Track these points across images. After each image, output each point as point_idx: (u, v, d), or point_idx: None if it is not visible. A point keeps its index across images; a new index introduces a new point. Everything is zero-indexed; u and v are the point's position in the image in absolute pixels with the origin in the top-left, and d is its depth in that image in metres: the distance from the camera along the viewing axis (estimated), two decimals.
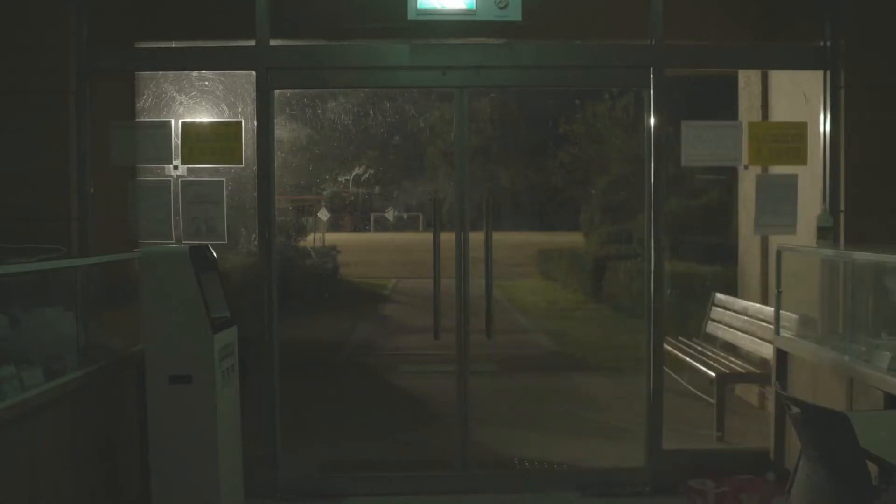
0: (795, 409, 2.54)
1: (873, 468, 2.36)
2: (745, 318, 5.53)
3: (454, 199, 4.44)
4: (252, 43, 4.31)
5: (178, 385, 3.49)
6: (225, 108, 4.82)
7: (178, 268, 3.52)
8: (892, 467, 2.29)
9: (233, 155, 4.32)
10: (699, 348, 5.89)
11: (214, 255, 3.86)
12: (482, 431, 4.86)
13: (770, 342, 4.62)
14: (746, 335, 5.43)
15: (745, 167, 5.13)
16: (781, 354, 4.30)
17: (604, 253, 11.78)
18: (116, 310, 4.29)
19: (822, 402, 2.85)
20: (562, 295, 12.83)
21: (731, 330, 5.72)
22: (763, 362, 5.20)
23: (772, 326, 4.52)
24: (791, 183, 4.43)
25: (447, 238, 4.39)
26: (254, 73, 4.33)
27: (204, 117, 4.74)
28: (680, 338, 6.18)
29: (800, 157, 4.42)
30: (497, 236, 4.54)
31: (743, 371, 5.32)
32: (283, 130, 5.95)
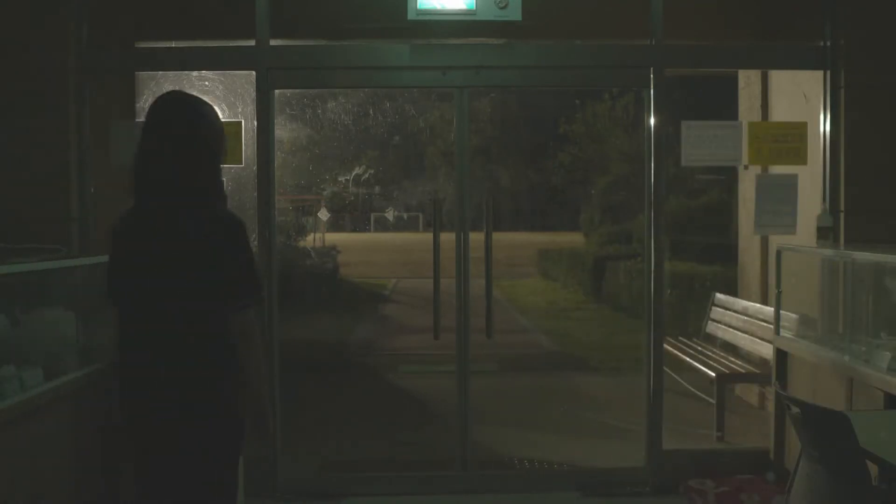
0: (795, 409, 2.54)
1: (873, 468, 2.36)
2: (745, 318, 5.53)
3: (454, 199, 4.44)
4: (252, 43, 4.31)
5: None
6: (225, 108, 4.82)
7: None
8: (893, 467, 2.29)
9: (233, 155, 4.29)
10: (699, 348, 5.89)
11: None
12: (482, 431, 4.86)
13: (770, 342, 4.62)
14: (746, 335, 5.43)
15: (745, 167, 5.13)
16: (781, 354, 4.30)
17: (604, 253, 11.81)
18: None
19: (822, 402, 2.85)
20: (562, 295, 12.85)
21: (731, 330, 5.72)
22: (763, 362, 5.20)
23: (772, 326, 4.52)
24: (791, 183, 4.43)
25: (447, 238, 4.39)
26: (254, 73, 4.32)
27: None
28: (680, 338, 6.18)
29: (800, 157, 4.42)
30: (497, 236, 4.54)
31: (743, 371, 5.32)
32: (283, 130, 5.96)
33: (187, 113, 2.41)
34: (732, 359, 5.51)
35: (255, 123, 4.33)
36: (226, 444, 2.42)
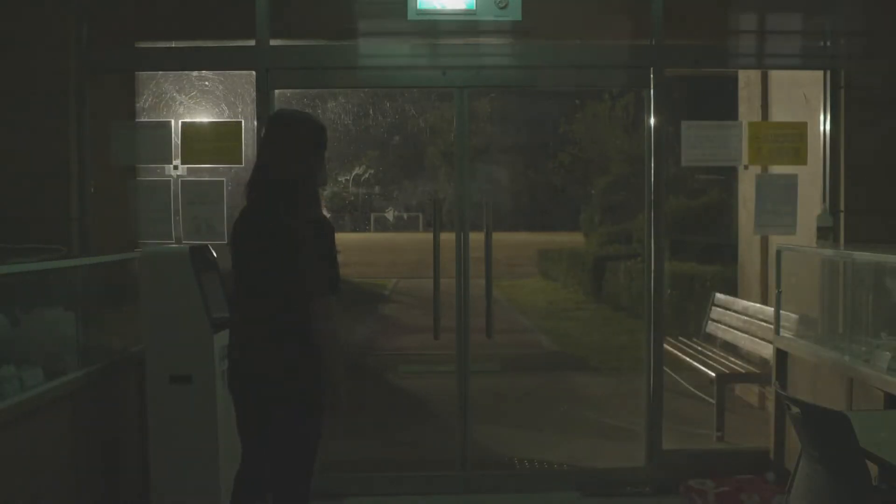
0: (795, 409, 2.54)
1: (873, 468, 2.36)
2: (745, 318, 5.52)
3: (454, 199, 4.44)
4: (252, 43, 4.31)
5: (178, 385, 3.49)
6: (225, 108, 4.82)
7: (178, 268, 3.51)
8: (893, 467, 2.29)
9: (233, 155, 4.32)
10: (699, 348, 5.89)
11: (214, 255, 3.85)
12: (482, 431, 4.86)
13: (770, 342, 4.62)
14: (746, 335, 5.43)
15: (745, 167, 5.12)
16: (781, 354, 4.30)
17: (604, 253, 11.80)
18: (116, 310, 4.29)
19: (822, 402, 2.85)
20: (562, 295, 12.84)
21: (731, 330, 5.72)
22: (763, 362, 5.20)
23: (772, 326, 4.52)
24: (791, 183, 4.43)
25: (447, 238, 4.39)
26: (254, 73, 4.32)
27: (204, 117, 4.74)
28: (680, 338, 6.18)
29: (800, 157, 4.42)
30: (497, 236, 4.54)
31: (743, 371, 5.32)
32: None
33: (308, 127, 2.78)
34: (732, 359, 5.51)
35: (255, 123, 4.33)
36: (307, 417, 2.73)
